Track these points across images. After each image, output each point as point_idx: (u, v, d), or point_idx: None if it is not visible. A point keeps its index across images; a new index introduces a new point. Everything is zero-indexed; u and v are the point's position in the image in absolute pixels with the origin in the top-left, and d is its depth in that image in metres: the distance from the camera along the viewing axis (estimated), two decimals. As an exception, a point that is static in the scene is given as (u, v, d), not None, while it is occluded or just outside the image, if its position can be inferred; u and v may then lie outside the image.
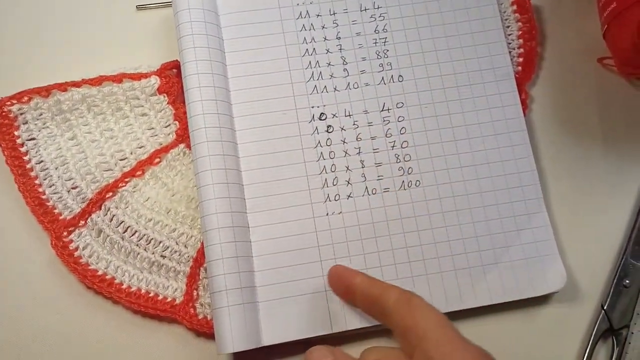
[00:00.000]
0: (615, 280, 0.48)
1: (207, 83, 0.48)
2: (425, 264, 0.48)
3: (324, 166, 0.49)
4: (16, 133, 0.49)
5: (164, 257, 0.47)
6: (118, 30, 0.54)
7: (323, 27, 0.50)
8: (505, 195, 0.48)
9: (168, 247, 0.47)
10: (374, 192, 0.49)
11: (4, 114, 0.48)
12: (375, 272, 0.47)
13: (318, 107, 0.50)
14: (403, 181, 0.49)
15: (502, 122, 0.49)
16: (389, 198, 0.49)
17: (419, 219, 0.48)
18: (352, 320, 0.46)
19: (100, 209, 0.47)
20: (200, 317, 0.46)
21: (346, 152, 0.49)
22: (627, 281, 0.48)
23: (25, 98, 0.48)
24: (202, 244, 0.46)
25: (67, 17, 0.54)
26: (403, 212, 0.48)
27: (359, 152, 0.49)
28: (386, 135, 0.49)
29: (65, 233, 0.47)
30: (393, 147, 0.49)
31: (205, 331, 0.46)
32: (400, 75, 0.50)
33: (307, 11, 0.51)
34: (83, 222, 0.47)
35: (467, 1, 0.52)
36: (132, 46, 0.53)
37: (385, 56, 0.50)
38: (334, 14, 0.51)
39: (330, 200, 0.48)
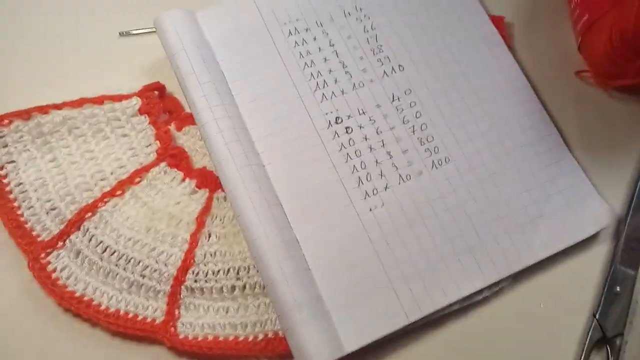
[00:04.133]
0: (605, 289, 0.47)
1: (220, 114, 0.47)
2: (478, 233, 0.47)
3: (354, 165, 0.48)
4: (-4, 156, 0.48)
5: (143, 276, 0.46)
6: (100, 54, 0.54)
7: (314, 39, 0.52)
8: (529, 150, 0.50)
9: (148, 266, 0.46)
10: (408, 178, 0.48)
11: (-16, 137, 0.47)
12: (432, 253, 0.46)
13: (331, 112, 0.50)
14: (433, 161, 0.49)
15: (505, 83, 0.52)
16: (425, 180, 0.48)
17: (458, 192, 0.48)
18: (426, 305, 0.45)
19: (79, 229, 0.47)
20: (182, 336, 0.44)
21: (371, 148, 0.49)
22: (618, 289, 0.47)
23: (6, 121, 0.48)
24: (183, 262, 0.46)
25: (49, 41, 0.54)
26: (442, 190, 0.48)
27: (383, 144, 0.49)
28: (404, 122, 0.50)
29: (43, 255, 0.46)
30: (414, 131, 0.50)
31: (185, 350, 0.44)
32: (400, 65, 0.52)
33: (296, 28, 0.52)
34: (61, 243, 0.46)
35: None
36: (113, 70, 0.53)
37: (381, 51, 0.52)
38: (321, 25, 0.52)
39: (369, 196, 0.48)
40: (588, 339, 0.46)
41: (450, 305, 0.45)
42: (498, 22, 0.55)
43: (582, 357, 0.46)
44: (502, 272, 0.46)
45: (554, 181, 0.50)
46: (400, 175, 0.48)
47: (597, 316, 0.47)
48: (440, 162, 0.49)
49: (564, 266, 0.49)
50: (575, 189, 0.50)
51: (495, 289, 0.47)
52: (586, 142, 0.52)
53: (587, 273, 0.49)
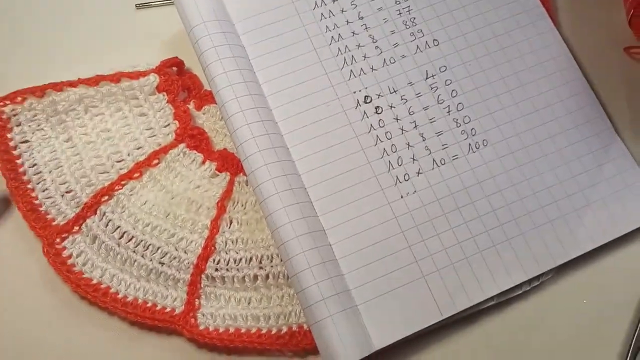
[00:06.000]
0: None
1: (242, 93, 0.44)
2: (518, 223, 0.44)
3: (384, 148, 0.45)
4: (9, 135, 0.46)
5: (162, 264, 0.44)
6: (116, 29, 0.52)
7: (342, 11, 0.48)
8: (575, 134, 0.47)
9: (167, 253, 0.44)
10: (442, 162, 0.45)
11: (-4, 115, 0.46)
12: (468, 244, 0.43)
13: (360, 91, 0.46)
14: (469, 144, 0.46)
15: (550, 61, 0.48)
16: (460, 164, 0.45)
17: (497, 178, 0.45)
18: (461, 300, 0.42)
19: (96, 213, 0.45)
20: (202, 327, 0.43)
21: (402, 129, 0.46)
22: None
23: (19, 98, 0.46)
24: (203, 249, 0.44)
25: (62, 14, 0.52)
26: (479, 175, 0.45)
27: (416, 126, 0.46)
28: (438, 101, 0.47)
29: (58, 240, 0.44)
30: (449, 112, 0.46)
31: (206, 342, 0.43)
32: (434, 40, 0.48)
33: (323, -1, 0.48)
34: (77, 227, 0.45)
35: None
36: (129, 44, 0.51)
37: (414, 24, 0.48)
38: (350, -5, 0.49)
39: (400, 182, 0.45)
40: (634, 339, 0.43)
41: (487, 300, 0.43)
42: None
43: (628, 358, 0.43)
44: (543, 265, 0.44)
45: (601, 168, 0.46)
46: (434, 160, 0.45)
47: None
48: (477, 146, 0.46)
49: (610, 259, 0.46)
50: (624, 176, 0.46)
51: (535, 283, 0.44)
52: (636, 125, 0.49)
53: (635, 267, 0.46)
